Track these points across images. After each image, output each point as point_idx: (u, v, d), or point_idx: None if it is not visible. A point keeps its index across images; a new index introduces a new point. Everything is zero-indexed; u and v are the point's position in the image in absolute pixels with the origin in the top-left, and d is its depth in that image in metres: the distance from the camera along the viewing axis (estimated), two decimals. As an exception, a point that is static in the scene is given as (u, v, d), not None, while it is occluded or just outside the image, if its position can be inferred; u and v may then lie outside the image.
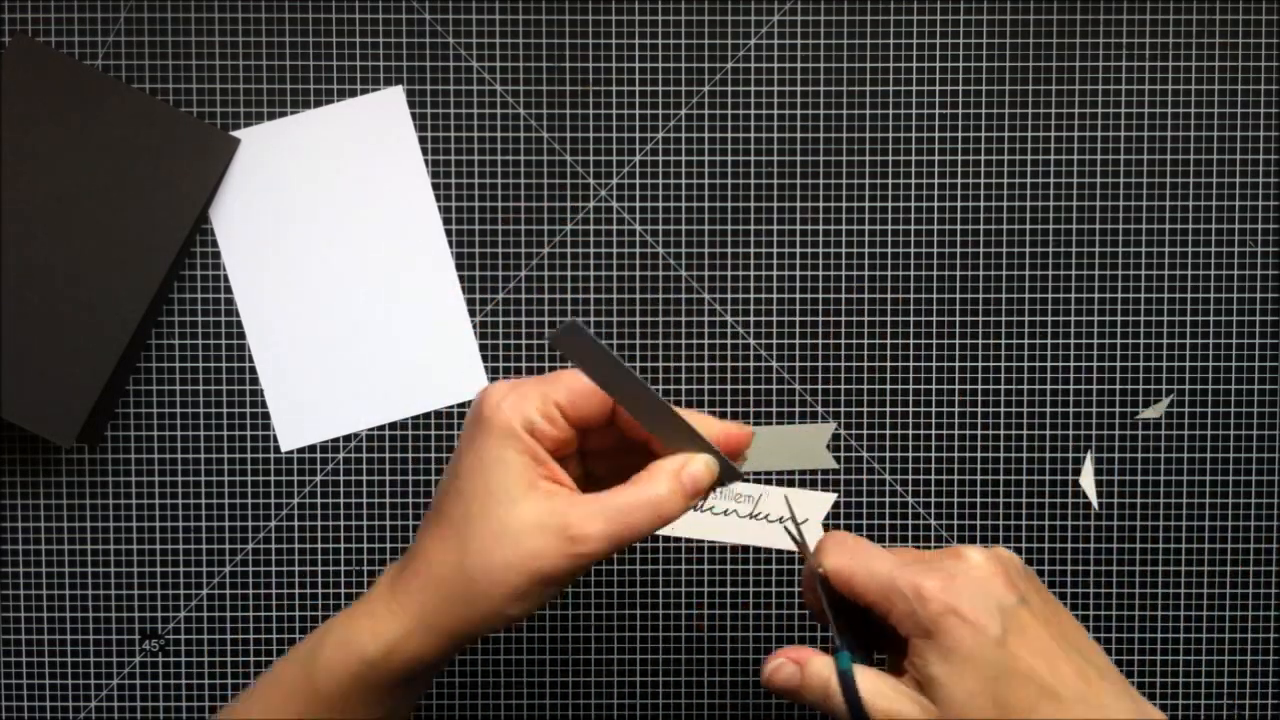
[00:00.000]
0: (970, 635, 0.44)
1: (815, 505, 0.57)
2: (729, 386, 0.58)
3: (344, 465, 0.58)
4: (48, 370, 0.55)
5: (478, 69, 0.57)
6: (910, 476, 0.58)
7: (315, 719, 0.47)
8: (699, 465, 0.46)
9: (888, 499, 0.58)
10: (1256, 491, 0.58)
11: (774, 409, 0.58)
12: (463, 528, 0.45)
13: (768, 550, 0.58)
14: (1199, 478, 0.58)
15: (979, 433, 0.58)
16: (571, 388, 0.46)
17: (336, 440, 0.58)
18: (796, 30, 0.57)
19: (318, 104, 0.57)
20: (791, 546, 0.58)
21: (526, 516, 0.44)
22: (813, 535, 0.57)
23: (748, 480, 0.57)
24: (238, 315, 0.58)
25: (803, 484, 0.58)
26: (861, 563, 0.46)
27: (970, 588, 0.45)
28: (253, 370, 0.58)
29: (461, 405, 0.57)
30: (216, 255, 0.57)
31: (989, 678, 0.44)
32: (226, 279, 0.57)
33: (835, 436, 0.58)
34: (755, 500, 0.57)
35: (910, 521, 0.58)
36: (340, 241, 0.57)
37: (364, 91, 0.57)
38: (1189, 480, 0.58)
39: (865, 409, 0.58)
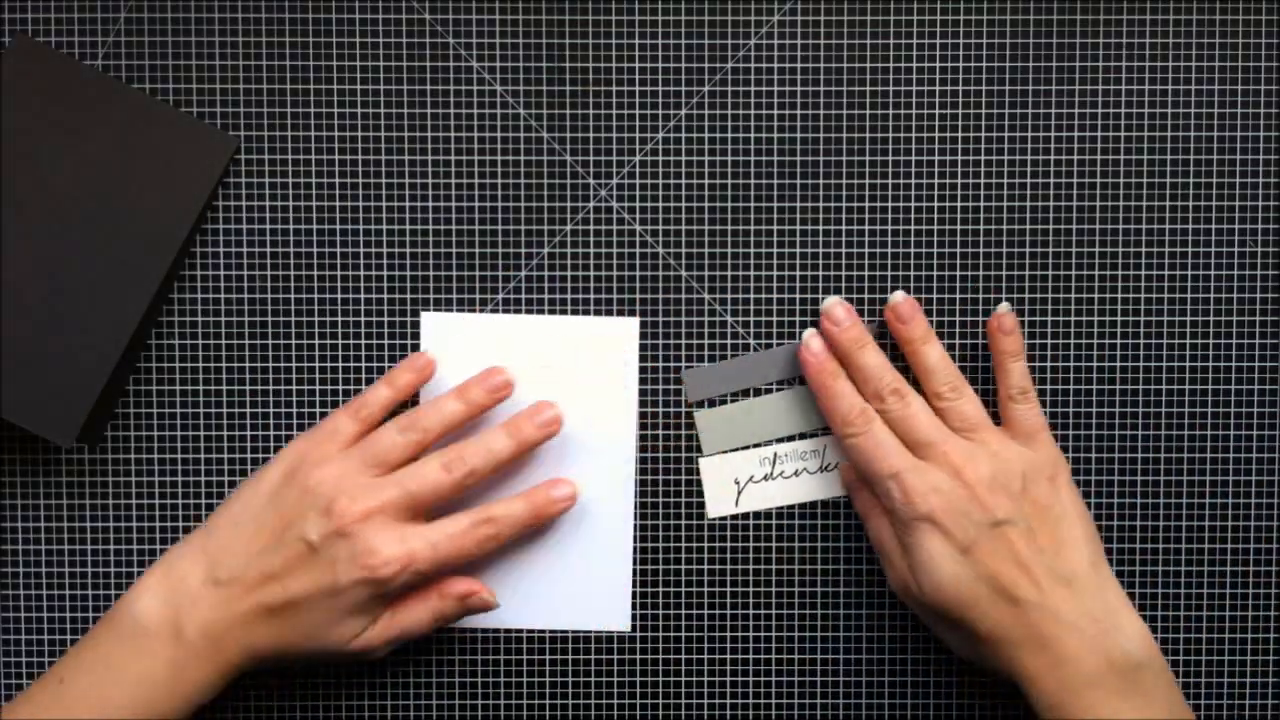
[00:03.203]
0: (938, 545, 0.52)
1: None
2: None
3: (344, 465, 0.58)
4: (48, 370, 0.55)
5: (478, 69, 0.57)
6: (910, 476, 0.58)
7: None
8: (476, 601, 0.56)
9: (888, 499, 0.58)
10: (1256, 491, 0.58)
11: (774, 409, 0.58)
12: (298, 649, 0.53)
13: (796, 519, 0.58)
14: (1199, 478, 0.58)
15: (979, 433, 0.58)
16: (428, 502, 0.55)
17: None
18: (796, 30, 0.57)
19: (318, 104, 0.57)
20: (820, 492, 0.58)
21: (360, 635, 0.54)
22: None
23: (800, 437, 0.58)
24: (237, 315, 0.58)
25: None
26: (884, 450, 0.54)
27: (952, 503, 0.52)
28: (253, 370, 0.58)
29: (604, 631, 0.58)
30: (216, 255, 0.57)
31: (948, 578, 0.51)
32: (226, 279, 0.57)
33: None
34: (822, 454, 0.57)
35: (910, 521, 0.58)
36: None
37: (364, 92, 0.57)
38: (1189, 480, 0.58)
39: (865, 409, 0.58)
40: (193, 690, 0.52)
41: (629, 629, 0.58)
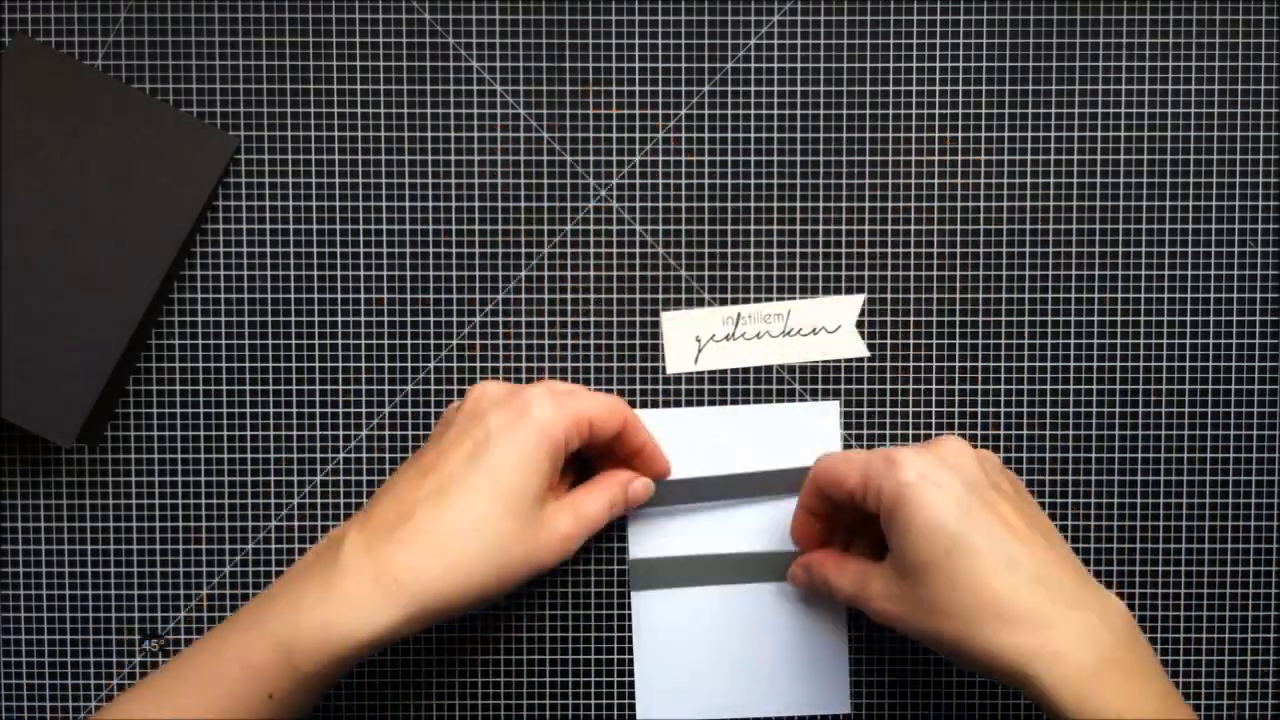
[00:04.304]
0: (937, 500, 0.48)
1: (846, 309, 0.57)
2: (729, 387, 0.58)
3: (344, 465, 0.58)
4: (48, 370, 0.55)
5: (478, 69, 0.57)
6: (910, 476, 0.58)
7: (295, 701, 0.48)
8: (639, 486, 0.55)
9: (888, 499, 0.58)
10: (1256, 491, 0.58)
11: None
12: (488, 513, 0.49)
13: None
14: (1199, 478, 0.58)
15: (978, 433, 0.58)
16: (599, 411, 0.52)
17: (339, 438, 0.58)
18: (796, 30, 0.57)
19: (318, 104, 0.57)
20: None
21: (548, 521, 0.51)
22: (847, 343, 0.57)
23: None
24: (238, 315, 0.58)
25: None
26: (842, 457, 0.51)
27: (943, 458, 0.49)
28: (253, 370, 0.58)
29: (824, 715, 0.58)
30: (216, 255, 0.57)
31: (945, 549, 0.47)
32: (226, 279, 0.57)
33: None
34: (785, 317, 0.57)
35: (910, 521, 0.58)
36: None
37: (364, 92, 0.57)
38: (1189, 480, 0.58)
39: (864, 409, 0.58)
40: (360, 624, 0.47)
41: (849, 711, 0.58)
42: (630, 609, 0.58)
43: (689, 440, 0.57)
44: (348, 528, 0.49)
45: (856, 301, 0.57)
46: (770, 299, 0.58)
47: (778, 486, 0.57)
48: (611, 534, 0.58)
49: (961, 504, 0.47)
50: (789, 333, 0.57)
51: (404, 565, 0.47)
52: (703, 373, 0.58)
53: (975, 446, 0.57)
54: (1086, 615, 0.46)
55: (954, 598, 0.47)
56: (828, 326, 0.57)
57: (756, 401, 0.58)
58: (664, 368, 0.58)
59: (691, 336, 0.57)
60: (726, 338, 0.57)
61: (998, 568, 0.47)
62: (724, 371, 0.58)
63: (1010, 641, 0.46)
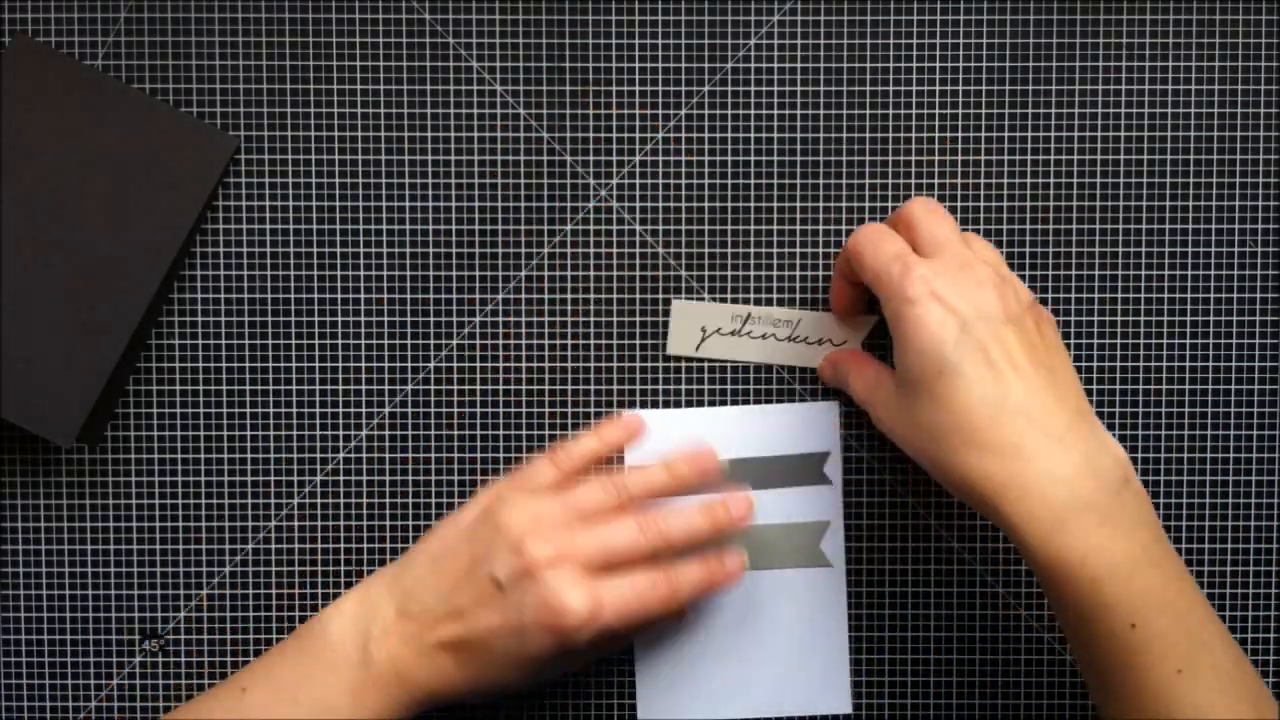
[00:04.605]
0: (936, 323, 0.46)
1: (856, 328, 0.57)
2: (729, 387, 0.58)
3: (344, 465, 0.58)
4: (48, 370, 0.55)
5: (478, 69, 0.57)
6: (911, 477, 0.58)
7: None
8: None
9: (888, 499, 0.58)
10: (1256, 491, 0.58)
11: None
12: (523, 679, 0.52)
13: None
14: (1199, 478, 0.58)
15: (979, 433, 0.58)
16: (623, 544, 0.52)
17: (339, 438, 0.58)
18: (796, 30, 0.57)
19: (318, 104, 0.57)
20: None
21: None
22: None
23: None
24: (238, 315, 0.58)
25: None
26: (873, 240, 0.50)
27: (961, 284, 0.47)
28: (253, 370, 0.58)
29: (824, 715, 0.58)
30: (216, 255, 0.58)
31: (937, 371, 0.46)
32: (226, 279, 0.57)
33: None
34: (794, 324, 0.57)
35: (911, 522, 0.58)
36: None
37: (364, 92, 0.57)
38: (1189, 480, 0.58)
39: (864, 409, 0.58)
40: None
41: (850, 710, 0.58)
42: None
43: (688, 440, 0.57)
44: (386, 628, 0.52)
45: (868, 321, 0.57)
46: (770, 298, 0.58)
47: (790, 477, 0.57)
48: (611, 534, 0.58)
49: (962, 330, 0.46)
50: (795, 339, 0.57)
51: (443, 690, 0.51)
52: (703, 365, 0.58)
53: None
54: (1069, 454, 0.46)
55: (938, 419, 0.47)
56: (834, 340, 0.57)
57: (756, 401, 0.58)
58: (664, 347, 0.58)
59: (698, 326, 0.57)
60: (733, 333, 0.57)
61: (984, 397, 0.46)
62: (725, 369, 0.58)
63: (982, 468, 0.46)
